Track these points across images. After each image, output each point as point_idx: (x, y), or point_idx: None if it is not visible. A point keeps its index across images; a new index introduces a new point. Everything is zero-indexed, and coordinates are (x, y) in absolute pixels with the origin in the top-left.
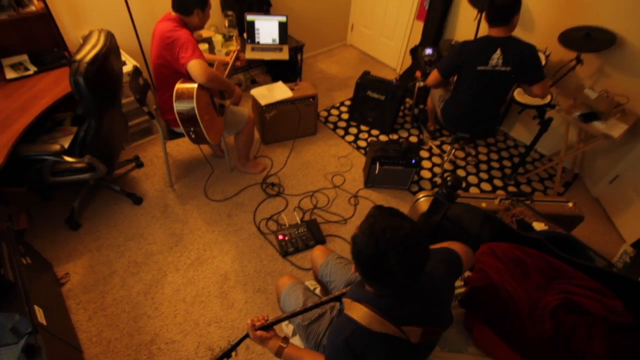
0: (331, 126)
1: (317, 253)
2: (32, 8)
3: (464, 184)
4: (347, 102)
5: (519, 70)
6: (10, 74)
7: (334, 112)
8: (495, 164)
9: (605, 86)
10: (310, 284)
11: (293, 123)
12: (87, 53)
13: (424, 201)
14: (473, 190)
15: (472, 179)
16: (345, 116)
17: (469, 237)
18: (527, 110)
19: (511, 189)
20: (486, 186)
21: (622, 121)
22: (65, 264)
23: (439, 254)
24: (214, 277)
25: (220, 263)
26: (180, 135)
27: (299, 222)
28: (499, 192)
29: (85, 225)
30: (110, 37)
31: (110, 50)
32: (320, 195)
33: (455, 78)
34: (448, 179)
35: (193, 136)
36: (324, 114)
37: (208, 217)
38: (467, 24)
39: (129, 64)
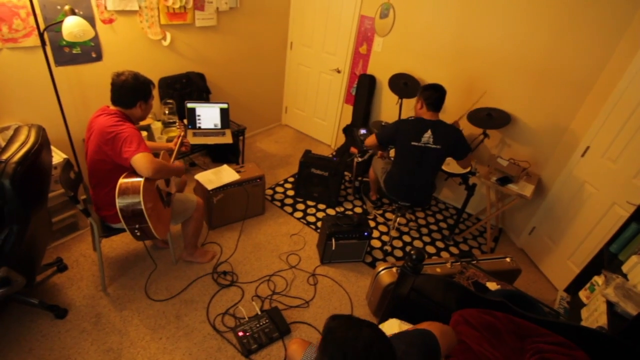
0: (278, 204)
1: (294, 348)
2: None
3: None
4: (291, 179)
5: (448, 148)
6: None
7: (279, 189)
8: (433, 227)
9: (509, 154)
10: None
11: (241, 205)
12: (15, 152)
13: (385, 274)
14: None
15: (418, 244)
16: (290, 193)
17: (436, 306)
18: (452, 178)
19: (452, 249)
20: (431, 249)
21: (529, 182)
22: None
23: (412, 337)
24: None
25: None
26: (118, 231)
27: (259, 312)
28: (444, 253)
29: None
30: (41, 132)
31: (42, 146)
32: (277, 279)
33: (394, 153)
34: (412, 252)
35: (138, 234)
36: (270, 192)
37: (152, 322)
38: (390, 107)
39: (58, 156)
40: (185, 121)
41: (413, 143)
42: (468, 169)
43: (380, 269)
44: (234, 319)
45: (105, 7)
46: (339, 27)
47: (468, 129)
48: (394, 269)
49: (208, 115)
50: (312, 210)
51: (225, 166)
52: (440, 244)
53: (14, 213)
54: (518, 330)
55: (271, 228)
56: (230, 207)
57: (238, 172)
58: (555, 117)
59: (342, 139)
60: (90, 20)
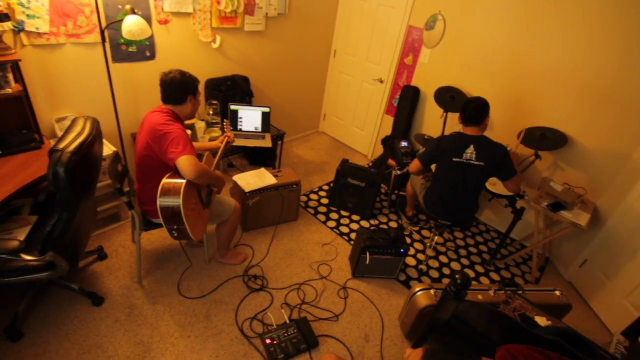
0: (312, 212)
1: None
2: (9, 91)
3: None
4: (326, 187)
5: (492, 166)
6: None
7: (314, 197)
8: (473, 249)
9: (562, 178)
10: None
11: (276, 210)
12: (72, 142)
13: (421, 295)
14: None
15: (455, 266)
16: (325, 201)
17: (478, 336)
18: (497, 199)
19: (493, 274)
20: (469, 272)
21: (584, 210)
22: None
23: None
24: None
25: None
26: (158, 226)
27: (288, 321)
28: (483, 279)
29: (29, 335)
30: (96, 125)
31: (96, 139)
32: (307, 288)
33: (435, 169)
34: (457, 276)
35: (176, 234)
36: (304, 199)
37: (182, 320)
38: (434, 120)
39: (108, 149)
40: (228, 122)
41: (455, 159)
42: (515, 193)
43: (417, 289)
44: (262, 325)
45: (163, 9)
46: (385, 37)
47: (518, 149)
48: (432, 292)
49: (250, 118)
50: (345, 221)
51: (263, 170)
52: (479, 269)
53: (65, 201)
54: None
55: (303, 235)
56: (265, 211)
57: (275, 176)
58: (617, 143)
59: (379, 150)
60: (148, 20)
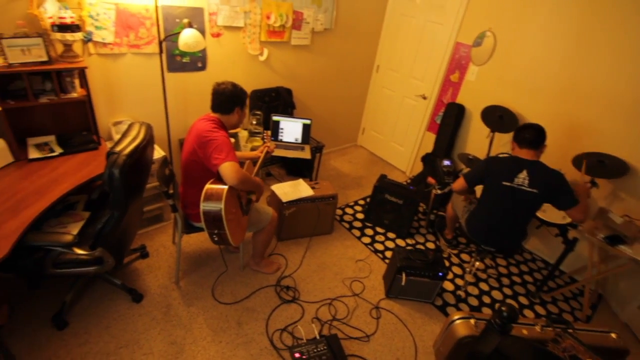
0: (347, 225)
1: None
2: (74, 95)
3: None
4: (361, 202)
5: (547, 194)
6: (33, 154)
7: (349, 210)
8: (516, 279)
9: (621, 209)
10: None
11: (311, 221)
12: (127, 146)
13: (460, 324)
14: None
15: (497, 295)
16: (360, 216)
17: None
18: (546, 227)
19: (538, 308)
20: (512, 304)
21: None
22: None
23: None
24: None
25: None
26: (198, 230)
27: (318, 336)
28: (527, 312)
29: (73, 325)
30: (149, 131)
31: (148, 143)
32: (339, 304)
33: (481, 192)
34: (503, 308)
35: (216, 238)
36: (339, 212)
37: (215, 324)
38: (478, 139)
39: (157, 153)
40: (269, 132)
41: (504, 183)
42: (569, 220)
43: (456, 317)
44: (292, 338)
45: (216, 22)
46: (430, 53)
47: (571, 174)
48: (472, 321)
49: (291, 129)
50: (380, 238)
51: (301, 180)
52: (523, 300)
53: (117, 201)
54: None
55: (337, 249)
56: (301, 222)
57: (313, 188)
58: None
59: (418, 167)
60: (202, 33)
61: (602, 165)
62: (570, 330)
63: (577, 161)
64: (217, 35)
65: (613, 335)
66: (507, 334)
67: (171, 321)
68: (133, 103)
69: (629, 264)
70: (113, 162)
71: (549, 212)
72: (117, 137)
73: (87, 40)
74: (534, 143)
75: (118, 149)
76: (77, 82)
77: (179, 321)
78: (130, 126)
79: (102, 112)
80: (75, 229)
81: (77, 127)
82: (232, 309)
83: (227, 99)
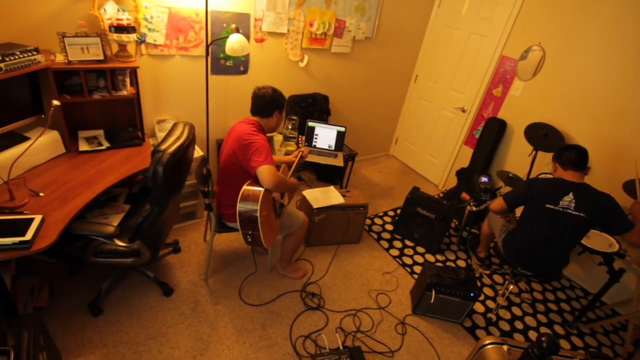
0: (375, 236)
1: None
2: (124, 92)
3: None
4: (391, 213)
5: (596, 218)
6: (83, 146)
7: (378, 221)
8: (552, 306)
9: None
10: None
11: (340, 229)
12: (171, 145)
13: (491, 350)
14: (532, 334)
15: (530, 321)
16: (389, 227)
17: None
18: (590, 254)
19: (575, 339)
20: (545, 331)
21: None
22: (75, 357)
23: None
24: None
25: None
26: (231, 229)
27: (341, 347)
28: (563, 342)
29: (107, 312)
30: (192, 130)
31: (191, 143)
32: (363, 316)
33: (521, 213)
34: (543, 338)
35: (249, 239)
36: (368, 222)
37: (240, 324)
38: (519, 157)
39: (196, 152)
40: (303, 138)
41: (548, 205)
42: (616, 248)
43: (487, 342)
44: (315, 346)
45: (261, 28)
46: (473, 66)
47: (621, 201)
48: (505, 347)
49: (325, 135)
50: (409, 252)
51: (332, 187)
52: (559, 329)
53: (159, 197)
54: None
55: (364, 260)
56: (330, 229)
57: (344, 195)
58: None
59: (451, 181)
60: (246, 38)
61: None
62: None
63: (628, 187)
64: (261, 40)
65: None
66: None
67: (198, 317)
68: (177, 103)
69: None
70: (158, 159)
71: (593, 239)
72: (160, 134)
73: (141, 41)
74: (579, 165)
75: (163, 147)
76: (128, 80)
77: (206, 318)
78: (174, 125)
79: (148, 110)
80: (116, 221)
81: (124, 123)
82: (257, 311)
83: (267, 103)
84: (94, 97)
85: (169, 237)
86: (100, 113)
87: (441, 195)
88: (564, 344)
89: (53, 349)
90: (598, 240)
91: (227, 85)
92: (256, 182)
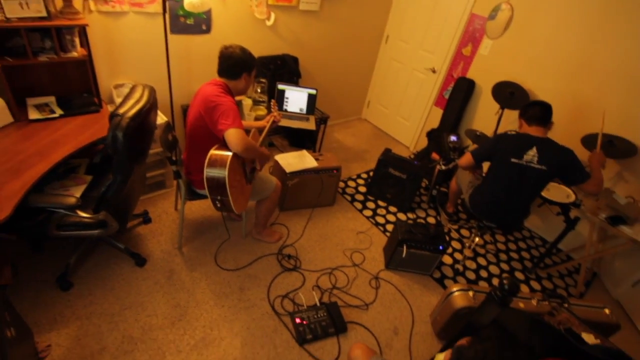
0: (349, 198)
1: (357, 354)
2: (74, 54)
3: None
4: (364, 175)
5: (556, 171)
6: (33, 114)
7: (351, 184)
8: (514, 255)
9: (625, 191)
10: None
11: (314, 193)
12: (130, 108)
13: (458, 296)
14: (495, 281)
15: (494, 269)
16: (362, 189)
17: (518, 345)
18: (549, 205)
19: (534, 283)
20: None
21: None
22: (47, 333)
23: None
24: None
25: (228, 347)
26: (201, 196)
27: (318, 303)
28: (523, 287)
29: (78, 286)
30: (153, 93)
31: (152, 107)
32: (339, 274)
33: (488, 167)
34: (505, 281)
35: (219, 205)
36: (342, 184)
37: (217, 289)
38: (487, 116)
39: (160, 118)
40: (275, 102)
41: (513, 160)
42: (573, 199)
43: (455, 289)
44: (293, 304)
45: None
46: (443, 25)
47: (580, 154)
48: (470, 293)
49: (296, 99)
50: (382, 211)
51: (305, 152)
52: (519, 275)
53: (121, 164)
54: None
55: (339, 221)
56: (303, 193)
57: (317, 159)
58: None
59: (423, 143)
60: None
61: (611, 146)
62: (565, 305)
63: (587, 141)
64: None
65: (606, 311)
66: (507, 306)
67: (174, 285)
68: (135, 65)
69: (628, 243)
70: (117, 124)
71: (552, 191)
72: (118, 100)
73: None
74: (542, 120)
75: (121, 111)
76: (77, 40)
77: (183, 285)
78: (133, 88)
79: (104, 74)
80: (78, 192)
81: (78, 88)
82: (234, 275)
83: (234, 63)
84: (39, 60)
85: (137, 208)
86: (50, 78)
87: (412, 156)
88: (524, 288)
89: (22, 325)
90: (557, 192)
91: (189, 45)
92: (224, 146)
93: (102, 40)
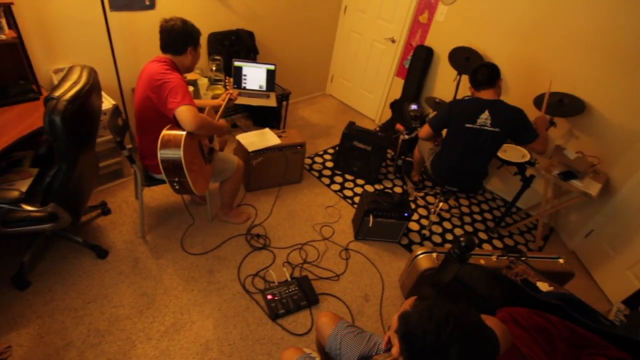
0: (316, 174)
1: (324, 321)
2: (2, 37)
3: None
4: (331, 151)
5: (508, 131)
6: None
7: (318, 159)
8: (477, 217)
9: (575, 147)
10: (306, 351)
11: (279, 171)
12: (68, 90)
13: (423, 258)
14: None
15: (459, 232)
16: (329, 164)
17: (479, 299)
18: (506, 166)
19: (496, 241)
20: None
21: (596, 180)
22: (6, 334)
23: None
24: (193, 347)
25: (200, 329)
26: (160, 182)
27: (289, 279)
28: (486, 246)
29: (36, 284)
30: (93, 74)
31: (93, 88)
32: (309, 249)
33: (445, 133)
34: (461, 238)
35: (177, 187)
36: (308, 161)
37: (186, 274)
38: (446, 83)
39: (107, 102)
40: (231, 79)
41: (467, 125)
42: (527, 158)
43: (419, 252)
44: (264, 282)
45: None
46: None
47: (532, 114)
48: (434, 255)
49: (254, 75)
50: (350, 185)
51: (267, 130)
52: (483, 235)
53: (63, 151)
54: (574, 338)
55: (307, 197)
56: (269, 172)
57: (279, 137)
58: (637, 113)
59: (387, 115)
60: None
61: (561, 105)
62: (523, 258)
63: (538, 101)
64: None
65: (561, 260)
66: (465, 262)
67: (140, 274)
68: (74, 47)
69: (579, 196)
70: (52, 108)
71: (509, 152)
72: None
73: None
74: (489, 82)
75: (57, 94)
76: (3, 21)
77: (149, 273)
78: (69, 69)
79: (40, 59)
80: (23, 186)
81: (12, 75)
82: (202, 259)
83: (177, 37)
84: None
85: (95, 199)
86: None
87: (378, 128)
88: (487, 247)
89: None
90: (513, 152)
91: (133, 23)
92: (177, 125)
93: (33, 20)
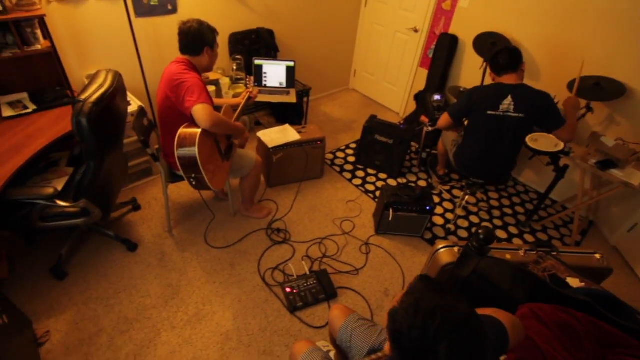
0: (337, 169)
1: (336, 314)
2: (38, 47)
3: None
4: (353, 145)
5: (533, 117)
6: (6, 112)
7: (340, 155)
8: (507, 210)
9: (616, 133)
10: (322, 344)
11: (300, 166)
12: (93, 93)
13: (444, 252)
14: None
15: (487, 226)
16: (351, 159)
17: (500, 295)
18: (538, 156)
19: (527, 236)
20: (501, 234)
21: (638, 169)
22: (46, 320)
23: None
24: (213, 336)
25: (221, 320)
26: (182, 178)
27: (308, 272)
28: (516, 240)
29: (72, 275)
30: (117, 77)
31: (117, 91)
32: (329, 243)
33: (467, 123)
34: (480, 231)
35: (194, 183)
36: (330, 156)
37: (208, 267)
38: (472, 71)
39: (134, 104)
40: (252, 78)
41: (489, 112)
42: (561, 147)
43: (440, 246)
44: (283, 275)
45: None
46: None
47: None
48: (456, 249)
49: (275, 73)
50: (372, 179)
51: (287, 126)
52: (513, 230)
53: (90, 151)
54: (602, 336)
55: (328, 192)
56: (289, 167)
57: (299, 132)
58: None
59: (412, 107)
60: None
61: (598, 88)
62: (553, 253)
63: (572, 85)
64: None
65: (597, 256)
66: (484, 255)
67: (166, 266)
68: (104, 54)
69: (619, 187)
70: (79, 110)
71: (540, 141)
72: None
73: None
74: (510, 66)
75: (83, 97)
76: (39, 32)
77: (174, 266)
78: (96, 74)
79: (73, 65)
80: (59, 184)
81: (49, 82)
82: (224, 253)
83: (194, 38)
84: (3, 56)
85: (126, 196)
86: (18, 74)
87: (402, 122)
88: (517, 242)
89: (16, 313)
90: (545, 142)
91: (157, 28)
92: (194, 124)
93: (65, 30)
